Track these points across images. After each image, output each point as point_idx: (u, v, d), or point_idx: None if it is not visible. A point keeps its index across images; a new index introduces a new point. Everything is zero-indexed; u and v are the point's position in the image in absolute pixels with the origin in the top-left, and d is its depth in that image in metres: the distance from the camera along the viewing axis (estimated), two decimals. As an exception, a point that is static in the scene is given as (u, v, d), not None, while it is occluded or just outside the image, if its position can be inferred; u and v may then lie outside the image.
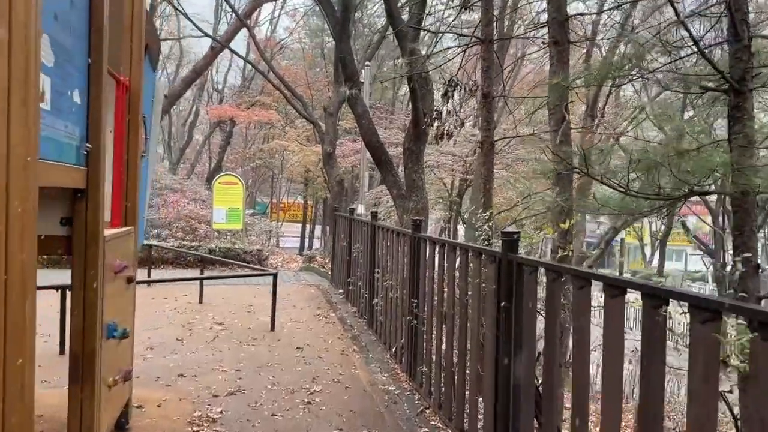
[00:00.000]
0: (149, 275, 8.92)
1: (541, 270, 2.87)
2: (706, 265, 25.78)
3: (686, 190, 3.05)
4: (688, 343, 1.86)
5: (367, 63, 12.45)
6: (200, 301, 7.57)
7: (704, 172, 2.96)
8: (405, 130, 8.60)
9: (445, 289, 4.07)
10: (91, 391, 2.54)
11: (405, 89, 18.15)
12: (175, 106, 29.95)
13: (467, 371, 3.66)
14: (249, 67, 22.57)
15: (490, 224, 4.47)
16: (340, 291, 8.66)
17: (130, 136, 3.33)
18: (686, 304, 1.80)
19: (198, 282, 7.80)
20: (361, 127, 7.64)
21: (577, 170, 3.55)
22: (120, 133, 3.24)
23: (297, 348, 5.54)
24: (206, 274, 9.51)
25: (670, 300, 1.91)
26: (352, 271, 7.79)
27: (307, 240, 26.26)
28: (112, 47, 3.28)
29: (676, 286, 2.07)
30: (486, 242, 4.41)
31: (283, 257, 13.90)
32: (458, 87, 5.69)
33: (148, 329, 5.99)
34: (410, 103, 7.67)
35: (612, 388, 2.15)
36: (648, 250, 38.10)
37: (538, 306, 3.00)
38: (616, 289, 2.14)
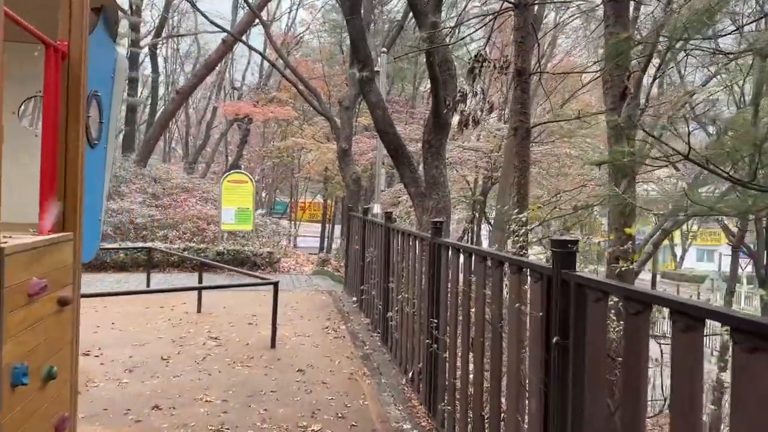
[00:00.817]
0: (148, 281, 8.27)
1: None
2: (741, 266, 24.44)
3: None
4: None
5: (383, 49, 11.62)
6: (198, 311, 6.87)
7: None
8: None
9: (473, 309, 3.26)
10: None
11: (426, 84, 17.30)
12: (193, 105, 29.70)
13: (503, 418, 2.85)
14: (267, 63, 22.00)
15: (527, 227, 3.63)
16: (354, 299, 7.89)
17: (68, 117, 2.61)
18: None
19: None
20: (375, 117, 6.84)
21: (664, 157, 2.70)
22: (53, 112, 2.51)
23: (298, 370, 4.79)
24: (211, 278, 8.86)
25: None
26: (366, 278, 7.01)
27: (326, 240, 25.59)
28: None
29: None
30: (521, 250, 3.57)
31: (297, 260, 13.16)
32: (486, 63, 4.85)
33: (133, 345, 5.31)
34: (430, 91, 6.87)
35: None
36: (678, 250, 36.49)
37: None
38: (761, 339, 1.32)
